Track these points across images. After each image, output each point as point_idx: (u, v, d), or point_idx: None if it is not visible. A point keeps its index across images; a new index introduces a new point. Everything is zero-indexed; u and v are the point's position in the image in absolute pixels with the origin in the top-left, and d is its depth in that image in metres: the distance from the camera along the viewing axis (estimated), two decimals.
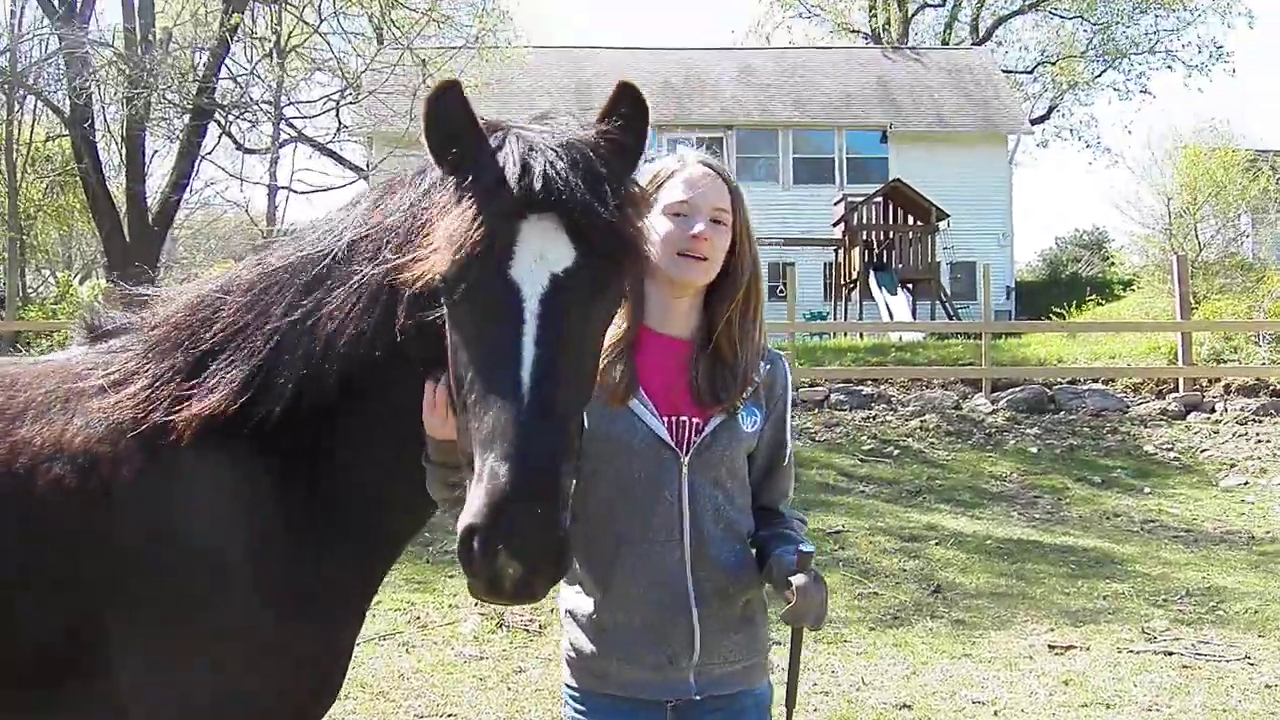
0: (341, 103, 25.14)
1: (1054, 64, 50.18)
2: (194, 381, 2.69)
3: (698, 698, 3.01)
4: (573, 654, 3.12)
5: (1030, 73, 52.16)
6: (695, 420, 2.99)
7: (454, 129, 2.43)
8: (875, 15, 50.61)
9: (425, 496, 2.70)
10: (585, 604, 3.05)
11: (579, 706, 3.10)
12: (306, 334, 2.66)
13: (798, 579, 2.83)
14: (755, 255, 3.05)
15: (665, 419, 2.99)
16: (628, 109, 2.53)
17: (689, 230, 2.93)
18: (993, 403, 17.21)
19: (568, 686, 3.14)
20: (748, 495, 3.10)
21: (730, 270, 3.00)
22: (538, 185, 2.35)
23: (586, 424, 2.82)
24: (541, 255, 2.36)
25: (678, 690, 3.00)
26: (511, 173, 2.36)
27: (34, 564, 2.67)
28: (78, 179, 27.40)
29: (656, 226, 2.89)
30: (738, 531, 3.06)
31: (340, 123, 26.07)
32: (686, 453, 2.98)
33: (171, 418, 2.65)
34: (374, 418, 2.70)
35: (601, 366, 2.83)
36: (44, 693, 2.76)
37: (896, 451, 15.45)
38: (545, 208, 2.36)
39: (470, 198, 2.37)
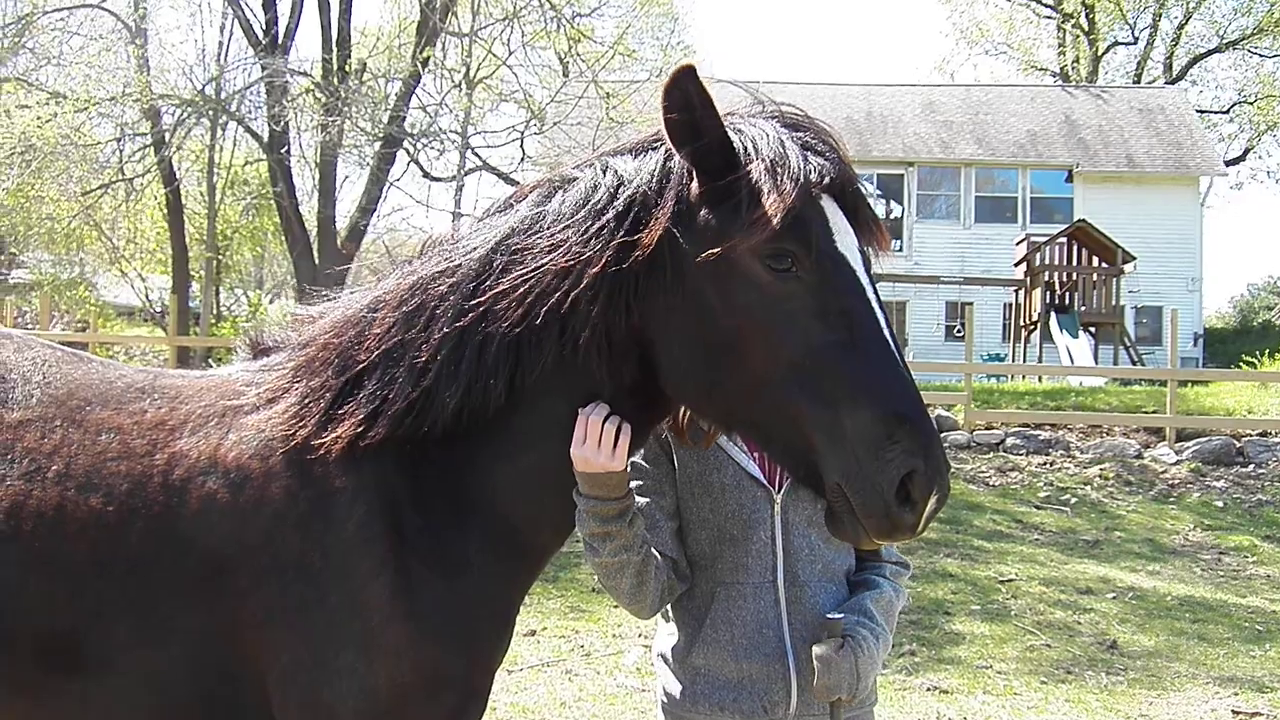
0: (526, 133, 25.57)
1: (1252, 103, 48.56)
2: (348, 401, 2.68)
3: None
4: (665, 699, 3.04)
5: (1226, 113, 50.55)
6: None
7: (696, 110, 2.48)
8: (1064, 53, 49.86)
9: (572, 515, 2.75)
10: (679, 647, 2.98)
11: None
12: (475, 344, 2.63)
13: (817, 649, 2.73)
14: None
15: (756, 456, 2.93)
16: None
17: None
18: (1177, 453, 16.69)
19: None
20: None
21: None
22: (815, 164, 2.50)
23: (678, 465, 2.95)
24: (845, 231, 2.52)
25: None
26: (790, 154, 2.49)
27: (185, 575, 2.65)
28: (273, 202, 28.42)
29: None
30: (835, 573, 2.97)
31: (524, 153, 26.37)
32: (779, 490, 2.91)
33: (322, 437, 2.65)
34: (535, 430, 2.69)
35: None
36: (197, 705, 2.74)
37: (1073, 500, 15.09)
38: (829, 189, 2.53)
39: (765, 176, 2.46)
